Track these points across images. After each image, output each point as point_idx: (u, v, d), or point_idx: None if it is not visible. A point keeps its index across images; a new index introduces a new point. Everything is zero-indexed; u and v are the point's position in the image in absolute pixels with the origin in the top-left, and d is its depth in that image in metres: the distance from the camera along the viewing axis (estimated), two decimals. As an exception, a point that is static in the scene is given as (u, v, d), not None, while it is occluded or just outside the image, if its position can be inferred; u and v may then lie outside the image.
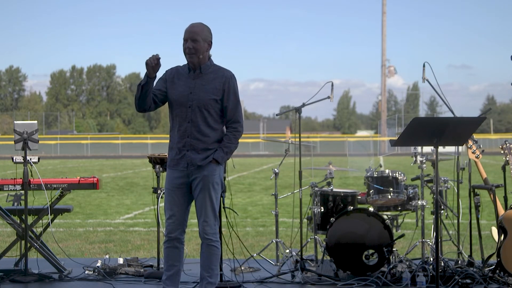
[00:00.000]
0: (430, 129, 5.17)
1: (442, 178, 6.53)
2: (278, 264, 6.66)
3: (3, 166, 29.10)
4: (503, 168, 6.15)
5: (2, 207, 6.37)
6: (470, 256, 6.29)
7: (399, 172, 6.46)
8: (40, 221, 6.44)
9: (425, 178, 6.49)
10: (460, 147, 6.22)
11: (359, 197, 6.62)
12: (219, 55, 5.26)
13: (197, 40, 4.90)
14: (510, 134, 57.75)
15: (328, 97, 6.39)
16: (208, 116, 4.94)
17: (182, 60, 5.13)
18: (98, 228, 10.39)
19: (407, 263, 6.26)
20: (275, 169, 7.03)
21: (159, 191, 6.39)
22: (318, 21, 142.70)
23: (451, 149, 6.30)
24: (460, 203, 6.48)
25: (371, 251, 6.12)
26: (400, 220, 6.64)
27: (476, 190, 6.22)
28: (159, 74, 4.93)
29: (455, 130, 5.23)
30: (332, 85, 6.38)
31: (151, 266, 6.60)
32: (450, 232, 6.71)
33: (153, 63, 4.75)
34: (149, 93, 4.89)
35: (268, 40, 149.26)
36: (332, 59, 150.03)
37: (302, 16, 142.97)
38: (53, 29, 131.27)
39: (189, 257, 7.21)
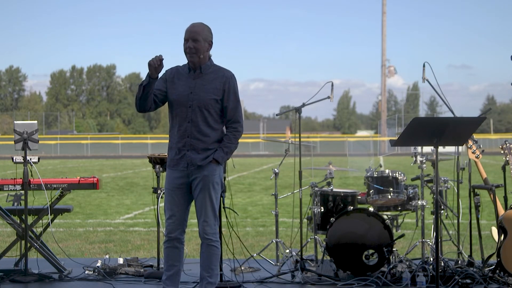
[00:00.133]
0: (430, 129, 5.17)
1: (442, 178, 6.53)
2: (278, 264, 6.66)
3: (3, 166, 29.10)
4: (503, 168, 6.15)
5: (2, 207, 6.37)
6: (470, 256, 6.29)
7: (399, 172, 6.46)
8: (40, 221, 6.44)
9: (425, 178, 6.49)
10: (460, 147, 6.22)
11: (359, 197, 6.62)
12: (219, 55, 5.27)
13: (198, 40, 4.90)
14: (510, 134, 57.75)
15: (328, 97, 6.39)
16: (208, 116, 4.95)
17: (182, 60, 5.11)
18: (98, 228, 10.39)
19: (407, 263, 6.25)
20: (275, 169, 7.03)
21: (159, 191, 6.40)
22: (318, 21, 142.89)
23: (451, 149, 6.30)
24: (460, 203, 6.48)
25: (371, 251, 6.12)
26: (400, 220, 6.64)
27: (476, 190, 6.22)
28: (161, 74, 4.93)
29: (455, 130, 5.23)
30: (332, 85, 6.38)
31: (151, 266, 6.60)
32: (450, 232, 6.71)
33: (156, 64, 4.75)
34: (150, 94, 4.89)
35: (268, 40, 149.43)
36: (332, 59, 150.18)
37: (302, 16, 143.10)
38: (53, 29, 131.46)
39: (189, 257, 7.22)
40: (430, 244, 6.32)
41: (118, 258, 6.73)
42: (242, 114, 5.10)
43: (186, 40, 4.94)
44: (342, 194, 6.54)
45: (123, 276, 6.32)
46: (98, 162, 37.02)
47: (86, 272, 6.40)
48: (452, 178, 6.57)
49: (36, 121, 6.30)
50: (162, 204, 5.48)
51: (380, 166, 6.70)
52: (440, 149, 5.36)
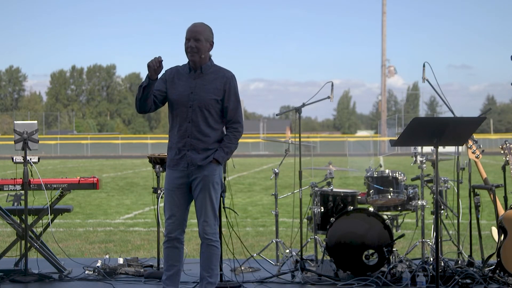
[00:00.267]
0: (430, 129, 5.17)
1: (442, 178, 6.53)
2: (278, 264, 6.66)
3: (3, 166, 29.10)
4: (503, 168, 6.15)
5: (2, 207, 6.37)
6: (470, 256, 6.29)
7: (399, 172, 6.46)
8: (40, 221, 6.44)
9: (425, 178, 6.49)
10: (460, 147, 6.22)
11: (359, 197, 6.62)
12: (219, 55, 5.26)
13: (199, 39, 4.91)
14: (510, 134, 57.75)
15: (328, 97, 6.39)
16: (208, 116, 4.95)
17: (182, 60, 5.11)
18: (98, 228, 10.39)
19: (407, 263, 6.26)
20: (275, 169, 7.03)
21: (159, 191, 6.40)
22: (318, 21, 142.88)
23: (451, 149, 6.30)
24: (460, 203, 6.48)
25: (371, 251, 6.12)
26: (400, 220, 6.64)
27: (476, 190, 6.22)
28: (160, 75, 4.93)
29: (455, 130, 5.23)
30: (332, 85, 6.38)
31: (151, 266, 6.60)
32: (450, 232, 6.71)
33: (155, 66, 4.75)
34: (150, 95, 4.89)
35: (268, 40, 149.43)
36: (332, 59, 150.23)
37: (302, 16, 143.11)
38: (53, 29, 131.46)
39: (189, 257, 7.21)
40: (430, 244, 6.32)
41: (118, 258, 6.73)
42: (242, 114, 5.10)
43: (187, 39, 4.94)
44: (342, 194, 6.54)
45: (123, 276, 6.32)
46: (98, 162, 37.02)
47: (86, 272, 6.40)
48: (452, 178, 6.57)
49: (36, 121, 6.30)
50: (162, 204, 5.48)
51: (380, 166, 6.70)
52: (440, 149, 5.36)
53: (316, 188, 6.62)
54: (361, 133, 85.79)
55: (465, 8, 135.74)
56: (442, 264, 6.03)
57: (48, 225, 6.43)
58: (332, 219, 6.29)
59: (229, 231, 6.11)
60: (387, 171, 6.45)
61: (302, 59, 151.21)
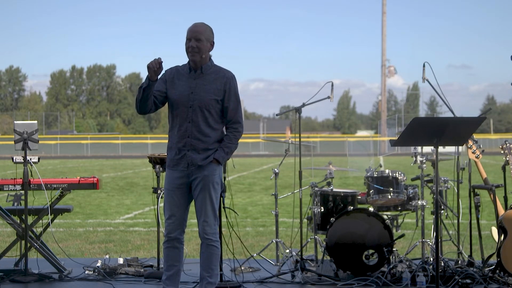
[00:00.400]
0: (430, 129, 5.17)
1: (442, 178, 6.53)
2: (278, 264, 6.66)
3: (3, 166, 29.10)
4: (503, 168, 6.15)
5: (2, 207, 6.37)
6: (470, 256, 6.29)
7: (399, 172, 6.46)
8: (40, 221, 6.44)
9: (425, 178, 6.49)
10: (460, 147, 6.22)
11: (359, 197, 6.62)
12: (219, 55, 5.26)
13: (200, 39, 4.91)
14: (510, 134, 57.75)
15: (328, 97, 6.39)
16: (209, 116, 4.95)
17: (182, 60, 5.11)
18: (98, 228, 10.39)
19: (407, 263, 6.26)
20: (275, 169, 7.03)
21: (159, 191, 6.40)
22: (318, 21, 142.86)
23: (451, 149, 6.30)
24: (460, 203, 6.48)
25: (371, 251, 6.12)
26: (400, 220, 6.64)
27: (476, 190, 6.22)
28: (160, 75, 4.93)
29: (455, 130, 5.23)
30: (332, 85, 6.38)
31: (151, 266, 6.60)
32: (450, 232, 6.71)
33: (155, 67, 4.75)
34: (150, 96, 4.89)
35: (268, 40, 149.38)
36: (332, 59, 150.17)
37: (302, 16, 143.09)
38: (53, 29, 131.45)
39: (189, 257, 7.22)
40: (430, 244, 6.32)
41: (118, 258, 6.73)
42: (242, 114, 5.11)
43: (188, 39, 4.94)
44: (342, 194, 6.54)
45: (123, 276, 6.32)
46: (98, 162, 37.02)
47: (86, 272, 6.40)
48: (452, 178, 6.57)
49: (36, 121, 6.30)
50: (162, 204, 5.48)
51: (380, 166, 6.70)
52: (440, 149, 5.36)
53: (316, 188, 6.62)
54: (361, 133, 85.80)
55: (465, 8, 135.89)
56: (442, 264, 6.03)
57: (48, 225, 6.43)
58: (332, 219, 6.29)
59: (229, 231, 6.12)
60: (387, 171, 6.45)
61: (302, 59, 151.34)
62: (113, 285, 5.98)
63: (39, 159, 6.36)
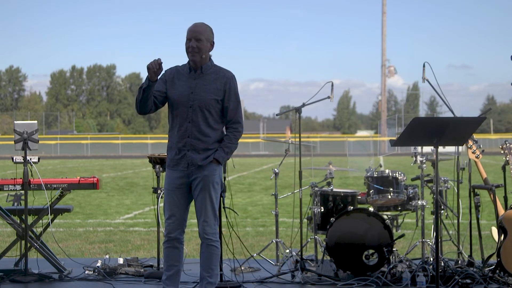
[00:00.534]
0: (430, 129, 5.17)
1: (442, 178, 6.53)
2: (278, 264, 6.66)
3: (3, 166, 29.10)
4: (503, 168, 6.15)
5: (2, 207, 6.37)
6: (470, 256, 6.29)
7: (399, 172, 6.46)
8: (40, 221, 6.44)
9: (425, 178, 6.49)
10: (460, 147, 6.22)
11: (359, 197, 6.62)
12: (219, 55, 5.26)
13: (200, 39, 4.91)
14: (510, 134, 57.75)
15: (328, 97, 6.39)
16: (209, 116, 4.95)
17: (182, 60, 5.11)
18: (98, 228, 10.39)
19: (407, 263, 6.26)
20: (275, 169, 7.03)
21: (159, 191, 6.40)
22: (318, 21, 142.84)
23: (451, 149, 6.30)
24: (460, 203, 6.48)
25: (371, 251, 6.12)
26: (400, 220, 6.64)
27: (476, 190, 6.22)
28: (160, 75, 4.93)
29: (455, 130, 5.23)
30: (332, 85, 6.38)
31: (151, 266, 6.60)
32: (450, 232, 6.71)
33: (155, 68, 4.75)
34: (150, 96, 4.89)
35: (268, 40, 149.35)
36: (332, 59, 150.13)
37: (302, 16, 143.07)
38: (53, 29, 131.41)
39: (189, 257, 7.22)
40: (430, 244, 6.32)
41: (118, 258, 6.73)
42: (242, 114, 5.11)
43: (188, 39, 4.94)
44: (342, 194, 6.54)
45: (123, 276, 6.32)
46: (98, 162, 37.02)
47: (86, 272, 6.40)
48: (452, 178, 6.57)
49: (36, 121, 6.30)
50: (162, 204, 5.48)
51: (380, 166, 6.70)
52: (440, 149, 5.36)
53: (316, 188, 6.62)
54: (361, 133, 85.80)
55: (465, 8, 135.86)
56: (442, 264, 6.03)
57: (48, 225, 6.43)
58: (332, 219, 6.29)
59: (229, 231, 6.12)
60: (387, 171, 6.45)
61: (302, 59, 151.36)
62: (113, 285, 5.98)
63: (39, 159, 6.37)
